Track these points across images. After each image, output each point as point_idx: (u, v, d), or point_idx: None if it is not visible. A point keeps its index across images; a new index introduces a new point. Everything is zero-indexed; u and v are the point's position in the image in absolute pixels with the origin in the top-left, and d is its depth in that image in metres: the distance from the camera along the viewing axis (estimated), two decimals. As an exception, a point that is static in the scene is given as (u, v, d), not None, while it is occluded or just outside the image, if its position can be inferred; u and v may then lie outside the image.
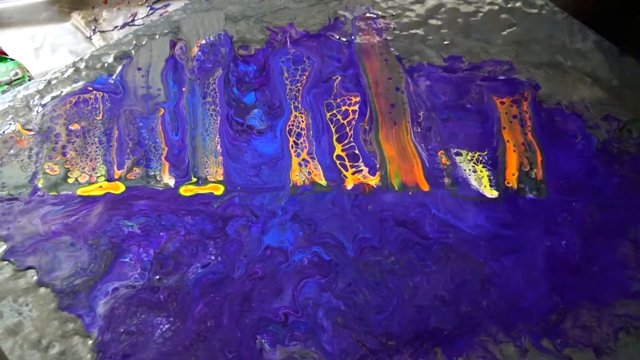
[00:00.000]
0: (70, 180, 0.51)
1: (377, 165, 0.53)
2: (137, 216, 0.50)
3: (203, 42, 0.59)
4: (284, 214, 0.50)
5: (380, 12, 0.65)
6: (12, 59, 0.78)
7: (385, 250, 0.48)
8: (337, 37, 0.62)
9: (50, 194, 0.50)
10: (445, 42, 0.62)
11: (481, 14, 0.65)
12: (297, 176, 0.52)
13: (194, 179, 0.52)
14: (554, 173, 0.53)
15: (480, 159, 0.54)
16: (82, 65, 0.59)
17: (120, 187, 0.51)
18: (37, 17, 0.88)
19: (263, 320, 0.45)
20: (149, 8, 0.89)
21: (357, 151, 0.54)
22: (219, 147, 0.54)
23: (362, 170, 0.53)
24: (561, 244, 0.49)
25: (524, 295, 0.47)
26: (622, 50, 0.61)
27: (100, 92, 0.56)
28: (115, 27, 0.87)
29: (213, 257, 0.48)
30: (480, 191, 0.52)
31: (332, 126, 0.56)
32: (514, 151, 0.55)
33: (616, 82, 0.59)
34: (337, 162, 0.53)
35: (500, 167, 0.53)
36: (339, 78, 0.59)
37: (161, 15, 0.81)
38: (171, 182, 0.52)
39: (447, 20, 0.64)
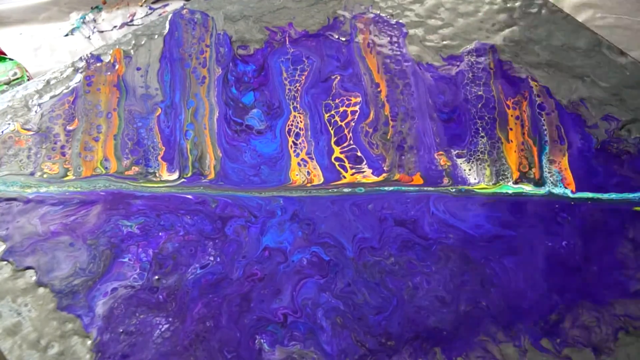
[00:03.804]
0: (69, 177, 0.51)
1: (385, 167, 0.53)
2: (136, 216, 0.49)
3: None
4: (283, 214, 0.50)
5: (379, 12, 0.65)
6: (11, 59, 0.78)
7: (385, 251, 0.48)
8: (337, 36, 0.62)
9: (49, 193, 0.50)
10: (444, 42, 0.62)
11: (481, 14, 0.65)
12: (297, 175, 0.52)
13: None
14: (553, 173, 0.53)
15: (481, 159, 0.54)
16: (81, 65, 0.59)
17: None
18: (37, 17, 0.88)
19: (262, 320, 0.45)
20: (147, 8, 0.89)
21: (359, 153, 0.54)
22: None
23: (364, 172, 0.53)
24: (561, 244, 0.49)
25: (524, 295, 0.46)
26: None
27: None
28: (114, 27, 0.87)
29: (212, 258, 0.48)
30: (480, 191, 0.52)
31: (330, 128, 0.55)
32: (515, 151, 0.55)
33: (616, 82, 0.59)
34: (336, 163, 0.53)
35: (500, 167, 0.53)
36: (338, 77, 0.59)
37: (160, 15, 0.81)
38: (171, 178, 0.52)
39: (446, 20, 0.64)
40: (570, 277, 0.47)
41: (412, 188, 0.52)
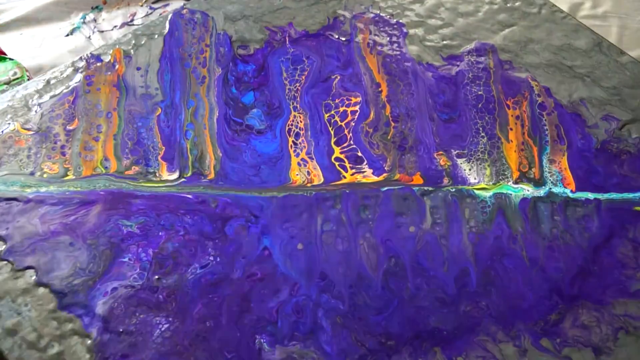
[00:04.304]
0: (69, 177, 0.51)
1: (387, 167, 0.53)
2: (136, 216, 0.49)
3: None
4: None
5: (379, 12, 0.65)
6: (11, 59, 0.78)
7: (387, 252, 0.48)
8: (337, 36, 0.62)
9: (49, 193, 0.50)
10: (444, 42, 0.62)
11: (480, 14, 0.65)
12: (297, 175, 0.52)
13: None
14: (553, 173, 0.53)
15: (481, 159, 0.54)
16: (81, 65, 0.59)
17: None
18: (37, 17, 0.88)
19: (262, 320, 0.45)
20: (148, 8, 0.89)
21: (359, 153, 0.54)
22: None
23: (364, 172, 0.53)
24: (561, 243, 0.49)
25: (524, 295, 0.47)
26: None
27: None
28: (115, 26, 0.87)
29: (212, 258, 0.48)
30: (480, 192, 0.52)
31: (330, 128, 0.55)
32: (515, 151, 0.55)
33: (616, 82, 0.59)
34: (336, 163, 0.53)
35: (500, 167, 0.53)
36: (338, 77, 0.59)
37: (160, 14, 0.81)
38: (171, 178, 0.52)
39: (446, 20, 0.64)
40: (570, 277, 0.47)
41: (414, 188, 0.52)
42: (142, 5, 0.89)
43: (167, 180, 0.52)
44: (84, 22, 0.85)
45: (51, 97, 0.56)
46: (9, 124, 0.55)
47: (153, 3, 0.90)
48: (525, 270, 0.48)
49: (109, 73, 0.58)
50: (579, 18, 0.67)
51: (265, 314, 0.45)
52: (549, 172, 0.53)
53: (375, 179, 0.52)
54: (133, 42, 0.60)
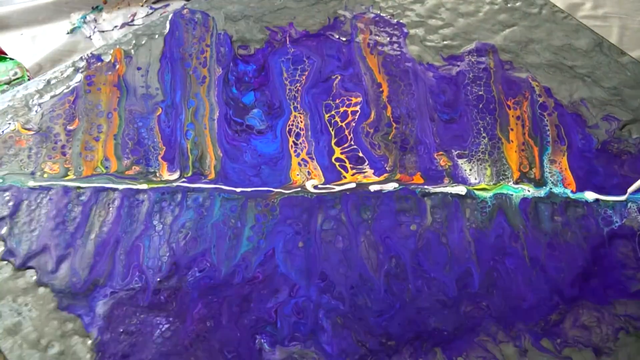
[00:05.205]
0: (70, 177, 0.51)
1: (388, 168, 0.53)
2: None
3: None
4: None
5: (380, 12, 0.65)
6: (11, 59, 0.78)
7: (387, 253, 0.48)
8: (337, 36, 0.62)
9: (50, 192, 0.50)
10: (445, 42, 0.62)
11: (481, 14, 0.65)
12: (298, 175, 0.52)
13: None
14: (554, 173, 0.53)
15: (482, 159, 0.54)
16: (81, 65, 0.59)
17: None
18: (37, 17, 0.88)
19: (262, 320, 0.45)
20: (148, 8, 0.89)
21: (360, 153, 0.54)
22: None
23: (365, 172, 0.53)
24: (561, 243, 0.49)
25: (524, 296, 0.46)
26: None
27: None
28: (115, 26, 0.87)
29: (213, 260, 0.48)
30: (481, 193, 0.52)
31: (330, 129, 0.55)
32: (515, 151, 0.55)
33: (616, 82, 0.59)
34: (337, 163, 0.53)
35: (501, 168, 0.53)
36: (339, 77, 0.59)
37: (161, 15, 0.81)
38: (172, 178, 0.52)
39: (447, 20, 0.64)
40: (570, 277, 0.47)
41: (413, 188, 0.52)
42: (142, 6, 0.89)
43: (167, 180, 0.52)
44: (84, 22, 0.85)
45: (52, 97, 0.56)
46: (10, 124, 0.55)
47: (153, 3, 0.90)
48: (526, 270, 0.48)
49: (110, 73, 0.58)
50: (579, 18, 0.67)
51: (265, 315, 0.45)
52: (550, 173, 0.53)
53: (375, 179, 0.52)
54: (133, 42, 0.60)
